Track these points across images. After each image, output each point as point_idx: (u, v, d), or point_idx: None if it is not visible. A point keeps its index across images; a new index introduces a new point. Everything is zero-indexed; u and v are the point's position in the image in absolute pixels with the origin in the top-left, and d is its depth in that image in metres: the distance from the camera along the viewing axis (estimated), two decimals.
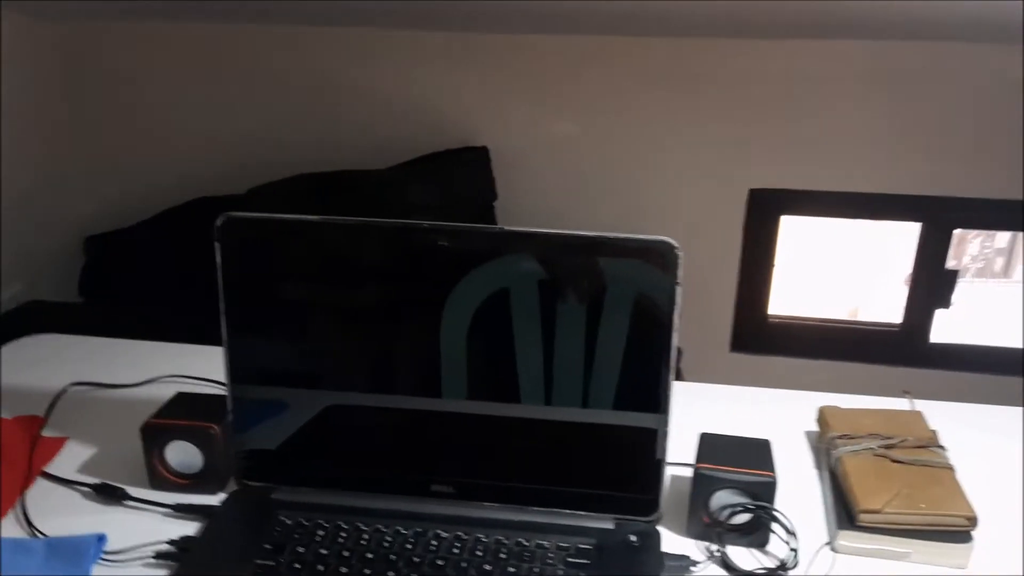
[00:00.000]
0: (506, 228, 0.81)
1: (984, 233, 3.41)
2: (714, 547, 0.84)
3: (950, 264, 2.16)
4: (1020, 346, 2.19)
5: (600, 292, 0.81)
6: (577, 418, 0.84)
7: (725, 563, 0.83)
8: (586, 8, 1.85)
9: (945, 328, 2.25)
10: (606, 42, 2.07)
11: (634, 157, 2.16)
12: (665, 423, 0.83)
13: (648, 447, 0.84)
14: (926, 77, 2.03)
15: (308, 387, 0.87)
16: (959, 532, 0.83)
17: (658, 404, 0.83)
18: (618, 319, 0.81)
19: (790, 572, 0.81)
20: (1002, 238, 3.69)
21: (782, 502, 0.90)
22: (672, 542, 0.86)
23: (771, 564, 0.83)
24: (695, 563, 0.82)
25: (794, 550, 0.83)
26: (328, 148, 2.23)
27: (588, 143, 2.16)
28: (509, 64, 2.12)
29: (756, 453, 0.88)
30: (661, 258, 0.79)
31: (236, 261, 0.84)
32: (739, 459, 0.86)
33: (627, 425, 0.84)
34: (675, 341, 0.82)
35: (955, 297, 2.19)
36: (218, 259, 0.83)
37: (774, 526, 0.84)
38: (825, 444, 0.97)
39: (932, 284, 2.19)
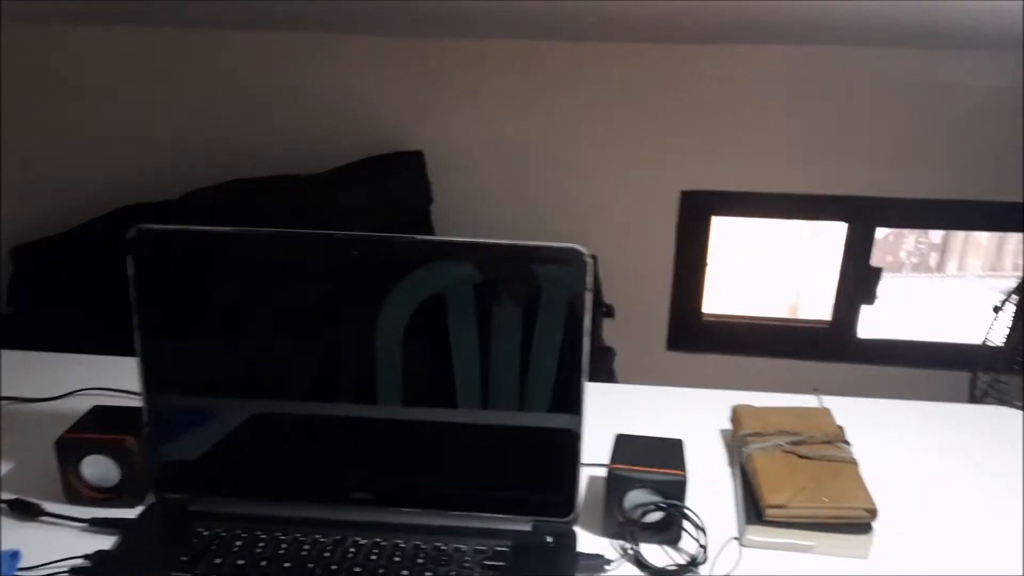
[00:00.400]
0: (412, 237, 0.82)
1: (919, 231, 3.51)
2: (628, 545, 0.86)
3: (874, 262, 2.22)
4: (945, 340, 2.26)
5: (510, 299, 0.83)
6: (492, 421, 0.86)
7: (638, 561, 0.85)
8: (519, 13, 1.87)
9: (879, 323, 2.32)
10: (540, 46, 2.09)
11: (568, 160, 2.19)
12: (579, 425, 0.85)
13: (564, 449, 0.86)
14: (847, 81, 2.09)
15: (226, 397, 0.87)
16: (860, 524, 0.86)
17: (573, 406, 0.85)
18: (529, 325, 0.83)
19: (700, 567, 0.84)
20: (936, 234, 3.80)
21: (697, 499, 0.93)
22: (589, 542, 0.88)
23: (683, 560, 0.85)
24: (609, 562, 0.84)
25: (703, 546, 0.86)
26: (263, 153, 2.21)
27: (523, 146, 2.18)
28: (443, 68, 2.13)
29: (669, 453, 0.90)
30: (570, 265, 0.81)
31: (151, 273, 0.84)
32: (652, 459, 0.89)
33: (543, 427, 0.86)
34: (587, 345, 0.84)
35: (880, 292, 2.26)
36: (130, 272, 0.83)
37: (685, 523, 0.87)
38: (737, 442, 1.00)
39: (858, 281, 2.25)
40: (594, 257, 2.22)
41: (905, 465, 1.02)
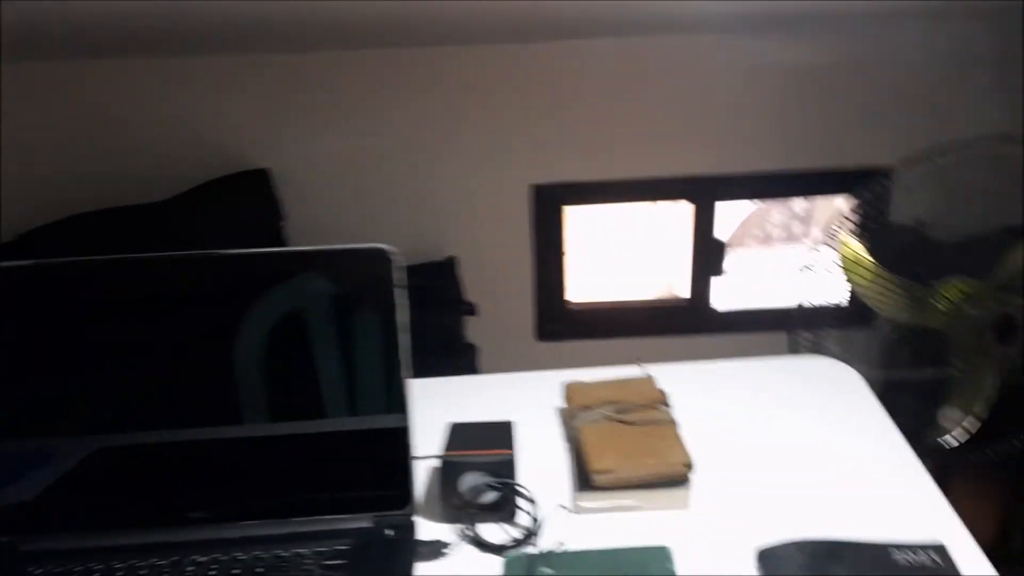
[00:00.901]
0: (202, 253, 0.83)
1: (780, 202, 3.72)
2: (467, 528, 0.90)
3: (741, 236, 2.34)
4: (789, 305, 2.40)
5: (322, 305, 0.85)
6: (322, 428, 0.88)
7: (476, 541, 0.89)
8: (348, 23, 1.89)
9: (742, 294, 2.44)
10: (378, 55, 2.11)
11: (419, 165, 2.22)
12: (406, 421, 0.88)
13: (394, 445, 0.89)
14: (678, 68, 2.20)
15: (56, 432, 0.86)
16: (679, 479, 0.93)
17: (398, 404, 0.88)
18: (345, 328, 0.85)
19: (534, 538, 0.88)
20: (799, 205, 4.03)
21: (535, 476, 0.97)
22: (431, 530, 0.91)
23: (519, 535, 0.89)
24: (446, 545, 0.87)
25: (536, 519, 0.90)
26: (105, 183, 2.15)
27: (372, 155, 2.19)
28: (281, 83, 2.12)
29: (499, 435, 0.95)
30: (377, 265, 0.84)
31: None
32: (483, 442, 0.93)
33: (371, 428, 0.88)
34: (405, 342, 0.87)
35: (726, 265, 2.38)
36: None
37: (518, 499, 0.91)
38: (568, 417, 1.05)
39: (706, 256, 2.37)
40: (452, 258, 2.24)
41: (728, 419, 1.09)
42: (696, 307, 2.44)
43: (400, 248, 2.48)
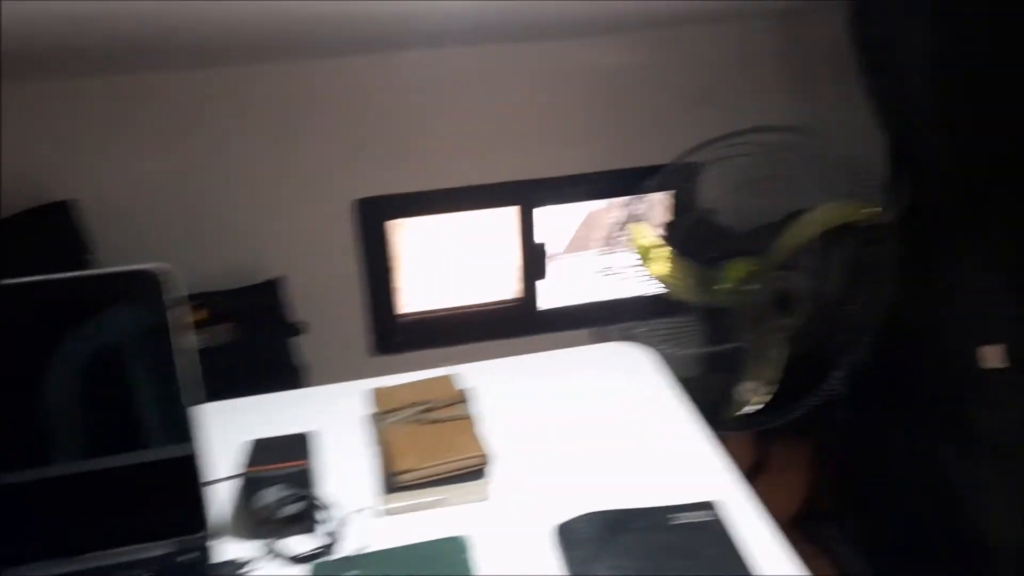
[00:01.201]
0: None
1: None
2: (269, 542, 0.90)
3: (583, 238, 2.42)
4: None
5: (92, 335, 0.82)
6: (113, 463, 0.85)
7: (279, 554, 0.88)
8: (147, 43, 1.83)
9: (579, 294, 2.52)
10: (184, 77, 2.06)
11: (234, 186, 2.17)
12: (192, 446, 0.87)
13: (186, 469, 0.87)
14: (492, 76, 2.25)
15: None
16: (476, 471, 0.96)
17: (183, 429, 0.86)
18: (119, 357, 0.83)
19: (338, 545, 0.89)
20: (636, 206, 4.21)
21: (343, 483, 0.98)
22: (237, 549, 0.90)
23: (323, 543, 0.90)
24: (244, 563, 0.87)
25: (335, 527, 0.91)
26: None
27: (185, 179, 2.13)
28: (83, 110, 2.03)
29: (297, 447, 0.95)
30: (147, 287, 0.83)
31: None
32: (282, 456, 0.93)
33: (161, 457, 0.86)
34: (183, 366, 0.86)
35: (549, 268, 2.46)
36: None
37: (320, 508, 0.92)
38: (376, 421, 1.06)
39: (531, 258, 2.44)
40: (276, 279, 2.20)
41: (532, 408, 1.14)
42: (526, 308, 2.50)
43: (222, 272, 2.42)
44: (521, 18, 2.04)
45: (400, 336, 2.41)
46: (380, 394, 1.10)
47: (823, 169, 1.43)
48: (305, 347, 2.17)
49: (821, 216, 1.39)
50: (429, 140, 2.26)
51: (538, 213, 2.41)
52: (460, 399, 1.06)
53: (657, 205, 1.46)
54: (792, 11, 2.21)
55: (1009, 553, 1.44)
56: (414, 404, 1.05)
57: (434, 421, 1.01)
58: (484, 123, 2.28)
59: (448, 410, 1.04)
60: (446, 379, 1.12)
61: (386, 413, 1.05)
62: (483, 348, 2.47)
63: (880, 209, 1.43)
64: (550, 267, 2.49)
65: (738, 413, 1.51)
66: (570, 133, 2.35)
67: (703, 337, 1.48)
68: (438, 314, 2.52)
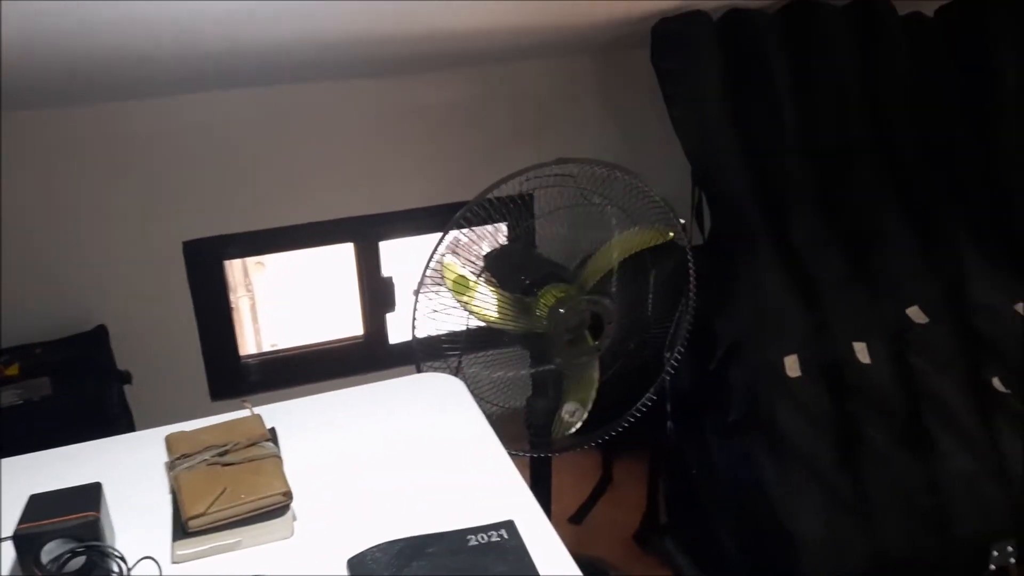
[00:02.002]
0: None
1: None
2: None
3: (386, 273, 2.43)
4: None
5: None
6: None
7: None
8: None
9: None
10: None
11: (58, 233, 2.08)
12: None
13: None
14: (324, 113, 2.26)
15: None
16: (277, 509, 0.96)
17: None
18: None
19: None
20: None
21: (137, 533, 0.95)
22: None
23: None
24: None
25: (127, 574, 0.89)
26: None
27: (3, 226, 2.03)
28: None
29: (85, 498, 0.92)
30: None
31: None
32: (67, 508, 0.90)
33: None
34: None
35: (399, 299, 2.47)
36: None
37: (109, 559, 0.89)
38: (169, 468, 1.04)
39: (378, 293, 2.45)
40: (102, 327, 2.11)
41: (340, 443, 1.14)
42: (373, 344, 2.50)
43: (44, 322, 2.30)
44: (352, 56, 2.06)
45: (242, 379, 2.36)
46: (173, 440, 1.09)
47: (629, 197, 1.51)
48: (141, 396, 2.10)
49: (625, 242, 1.46)
50: (263, 178, 2.24)
51: (387, 246, 2.42)
52: (264, 438, 1.06)
53: (473, 237, 1.50)
54: (612, 46, 2.33)
55: (814, 551, 1.54)
56: (210, 447, 1.04)
57: (231, 463, 1.00)
58: (320, 159, 2.28)
59: (249, 451, 1.03)
60: (253, 419, 1.11)
61: (180, 459, 1.03)
62: (331, 386, 2.45)
63: (679, 233, 1.52)
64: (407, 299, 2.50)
65: (564, 434, 1.57)
66: (409, 168, 2.38)
67: (523, 363, 1.52)
68: (285, 354, 2.49)
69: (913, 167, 1.82)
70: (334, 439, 1.15)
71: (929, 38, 1.87)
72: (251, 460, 1.01)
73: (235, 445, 1.04)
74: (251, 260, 3.39)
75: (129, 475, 1.07)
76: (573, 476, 2.26)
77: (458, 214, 1.39)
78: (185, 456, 1.03)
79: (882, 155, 1.79)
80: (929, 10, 1.95)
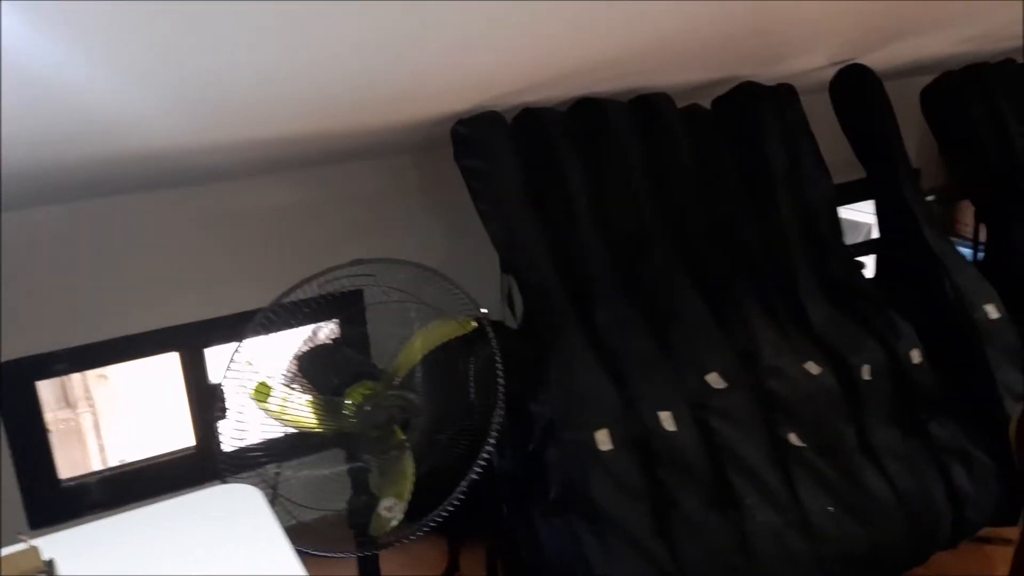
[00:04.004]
0: None
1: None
2: None
3: (214, 379, 2.38)
4: None
5: None
6: None
7: None
8: None
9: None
10: None
11: None
12: None
13: None
14: (141, 223, 2.23)
15: None
16: None
17: None
18: None
19: None
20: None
21: None
22: None
23: None
24: None
25: None
26: None
27: None
28: None
29: None
30: None
31: None
32: None
33: None
34: None
35: (233, 408, 2.42)
36: None
37: None
38: None
39: (207, 400, 2.39)
40: None
41: (128, 567, 1.11)
42: (207, 453, 2.43)
43: None
44: (175, 166, 2.06)
45: (63, 505, 2.24)
46: None
47: (432, 292, 1.57)
48: None
49: (427, 336, 1.51)
50: (84, 292, 2.18)
51: (219, 351, 2.38)
52: (38, 572, 1.02)
53: (278, 342, 1.52)
54: (429, 145, 2.43)
55: None
56: None
57: None
58: (143, 269, 2.25)
59: None
60: (32, 551, 1.07)
61: None
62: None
63: (481, 323, 1.58)
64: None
65: (384, 530, 1.57)
66: (236, 273, 2.37)
67: (336, 463, 1.53)
68: (110, 473, 2.38)
69: (703, 246, 1.97)
70: (119, 564, 1.12)
71: (707, 128, 2.05)
72: None
73: None
74: (92, 373, 3.25)
75: None
76: (420, 568, 2.25)
77: (253, 320, 1.40)
78: None
79: (673, 237, 1.93)
80: (706, 103, 2.15)
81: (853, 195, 2.62)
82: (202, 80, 1.35)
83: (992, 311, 2.14)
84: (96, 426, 3.35)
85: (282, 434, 1.61)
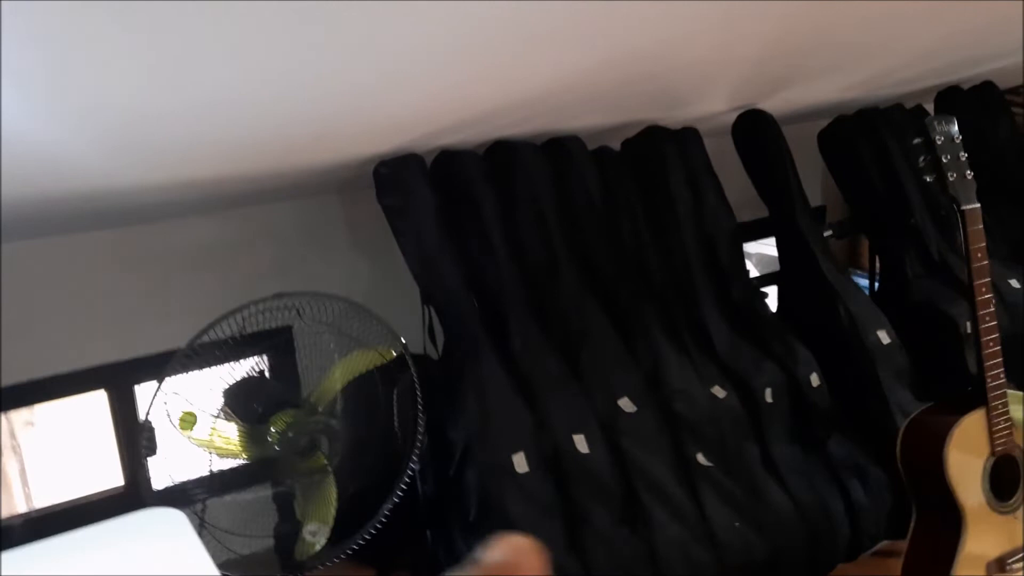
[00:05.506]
0: None
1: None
2: None
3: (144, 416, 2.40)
4: None
5: None
6: None
7: None
8: None
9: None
10: None
11: None
12: None
13: None
14: (70, 264, 2.26)
15: None
16: None
17: None
18: None
19: None
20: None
21: None
22: None
23: None
24: None
25: None
26: None
27: None
28: None
29: None
30: None
31: None
32: None
33: None
34: None
35: (160, 443, 2.44)
36: None
37: None
38: None
39: (136, 438, 2.41)
40: None
41: None
42: (137, 492, 2.44)
43: None
44: (107, 205, 2.11)
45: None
46: None
47: (353, 323, 1.65)
48: None
49: (346, 364, 1.59)
50: (4, 334, 2.20)
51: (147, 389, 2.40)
52: None
53: (206, 377, 1.58)
54: (354, 184, 2.52)
55: None
56: None
57: None
58: (67, 310, 2.27)
59: None
60: None
61: None
62: None
63: (401, 353, 1.67)
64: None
65: (308, 554, 1.63)
66: (163, 311, 2.40)
67: (263, 489, 1.59)
68: (40, 514, 2.37)
69: (611, 276, 2.09)
70: None
71: (615, 167, 2.19)
72: None
73: None
74: (19, 419, 3.23)
75: None
76: None
77: (174, 358, 1.47)
78: None
79: (583, 268, 2.06)
80: (616, 144, 2.29)
81: (760, 232, 2.78)
82: (137, 121, 1.42)
83: (884, 336, 2.30)
84: (22, 473, 3.31)
85: (210, 470, 1.67)
